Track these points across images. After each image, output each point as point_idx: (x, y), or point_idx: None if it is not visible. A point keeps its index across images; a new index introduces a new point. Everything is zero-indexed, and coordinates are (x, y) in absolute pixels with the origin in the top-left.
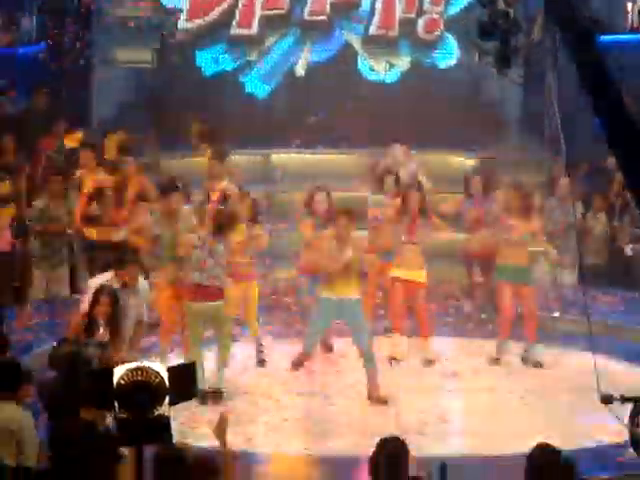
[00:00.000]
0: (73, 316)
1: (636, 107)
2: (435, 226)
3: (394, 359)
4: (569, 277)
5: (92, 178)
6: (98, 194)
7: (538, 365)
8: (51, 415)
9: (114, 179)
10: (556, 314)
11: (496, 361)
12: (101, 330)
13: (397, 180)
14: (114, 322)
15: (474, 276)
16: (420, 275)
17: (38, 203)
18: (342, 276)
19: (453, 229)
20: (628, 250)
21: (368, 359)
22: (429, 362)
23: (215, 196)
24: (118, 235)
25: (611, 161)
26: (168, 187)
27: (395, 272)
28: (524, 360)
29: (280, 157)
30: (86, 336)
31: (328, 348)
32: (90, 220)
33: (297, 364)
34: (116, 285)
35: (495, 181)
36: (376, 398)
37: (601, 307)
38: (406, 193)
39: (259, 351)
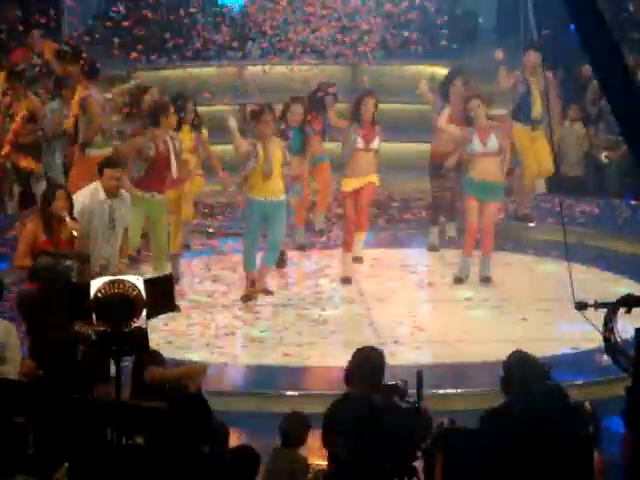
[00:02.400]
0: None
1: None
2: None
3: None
4: (540, 185)
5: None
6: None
7: (487, 281)
8: (32, 328)
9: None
10: (532, 224)
11: (460, 280)
12: (68, 220)
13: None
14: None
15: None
16: (371, 178)
17: None
18: (267, 178)
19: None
20: (603, 158)
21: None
22: (358, 259)
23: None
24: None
25: (586, 68)
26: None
27: (346, 185)
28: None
29: (255, 69)
30: (47, 237)
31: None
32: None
33: (248, 297)
34: (102, 196)
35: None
36: (262, 291)
37: (576, 215)
38: (360, 97)
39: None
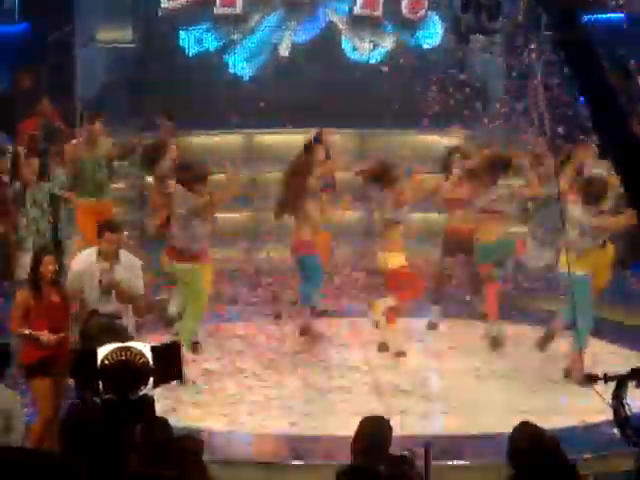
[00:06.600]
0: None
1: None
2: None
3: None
4: (550, 255)
5: None
6: None
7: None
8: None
9: None
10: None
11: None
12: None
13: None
14: (59, 282)
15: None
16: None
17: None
18: None
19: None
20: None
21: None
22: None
23: None
24: None
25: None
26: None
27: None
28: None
29: (264, 137)
30: (37, 302)
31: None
32: None
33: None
34: (93, 259)
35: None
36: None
37: None
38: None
39: None
